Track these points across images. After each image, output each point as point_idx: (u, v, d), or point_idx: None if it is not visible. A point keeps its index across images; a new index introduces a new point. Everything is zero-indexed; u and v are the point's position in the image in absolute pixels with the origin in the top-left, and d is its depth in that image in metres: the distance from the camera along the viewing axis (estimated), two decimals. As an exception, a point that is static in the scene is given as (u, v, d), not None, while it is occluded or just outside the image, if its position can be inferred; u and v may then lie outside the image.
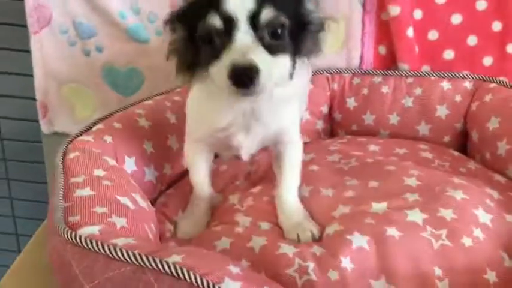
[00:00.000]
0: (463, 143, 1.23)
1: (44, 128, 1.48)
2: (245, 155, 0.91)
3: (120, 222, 0.73)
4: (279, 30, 0.71)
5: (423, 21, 1.29)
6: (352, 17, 1.31)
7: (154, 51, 1.39)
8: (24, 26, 1.38)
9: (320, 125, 1.33)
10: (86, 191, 0.79)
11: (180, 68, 0.79)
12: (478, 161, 1.13)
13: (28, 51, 1.40)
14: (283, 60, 0.73)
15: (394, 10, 1.24)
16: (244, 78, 0.67)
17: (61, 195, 0.77)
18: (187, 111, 0.94)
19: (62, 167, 0.85)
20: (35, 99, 1.45)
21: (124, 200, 0.80)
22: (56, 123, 1.48)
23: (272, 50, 0.70)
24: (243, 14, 0.69)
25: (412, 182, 0.90)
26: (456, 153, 1.14)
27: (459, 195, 0.84)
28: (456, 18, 1.28)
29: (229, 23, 0.69)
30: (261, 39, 0.70)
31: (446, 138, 1.23)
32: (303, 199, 0.94)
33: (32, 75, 1.43)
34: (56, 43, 1.38)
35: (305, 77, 0.99)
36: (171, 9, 1.30)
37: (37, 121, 1.49)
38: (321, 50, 0.79)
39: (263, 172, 1.06)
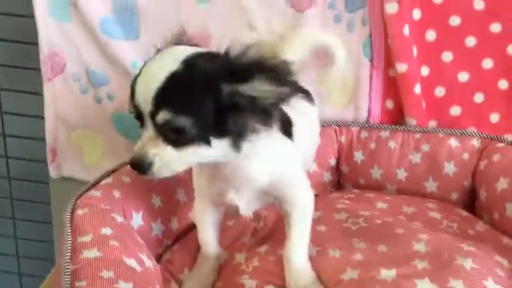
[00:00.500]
0: (470, 201, 1.22)
1: (53, 173, 1.49)
2: (244, 211, 0.89)
3: None
4: (180, 129, 0.71)
5: (430, 77, 1.31)
6: (360, 72, 1.32)
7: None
8: (37, 69, 1.41)
9: (327, 177, 1.33)
10: (93, 252, 0.79)
11: None
12: (486, 221, 1.12)
13: (40, 94, 1.42)
14: (192, 151, 0.73)
15: (402, 67, 1.26)
16: (135, 167, 0.75)
17: (68, 257, 0.76)
18: (193, 171, 0.94)
19: (69, 225, 0.85)
20: (43, 140, 1.47)
21: (130, 262, 0.80)
22: (65, 168, 1.49)
23: (176, 143, 0.73)
24: (146, 110, 0.72)
25: (420, 247, 0.89)
26: (464, 213, 1.13)
27: (469, 264, 0.83)
28: (463, 76, 1.29)
29: (138, 112, 0.74)
30: (163, 134, 0.72)
31: (454, 196, 1.22)
32: (310, 259, 0.92)
33: (41, 117, 1.45)
34: (68, 90, 1.41)
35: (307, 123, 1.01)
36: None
37: (45, 162, 1.50)
38: (269, 126, 0.75)
39: (270, 229, 1.06)
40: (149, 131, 0.73)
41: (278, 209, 0.94)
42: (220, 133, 0.73)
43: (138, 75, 0.76)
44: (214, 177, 0.85)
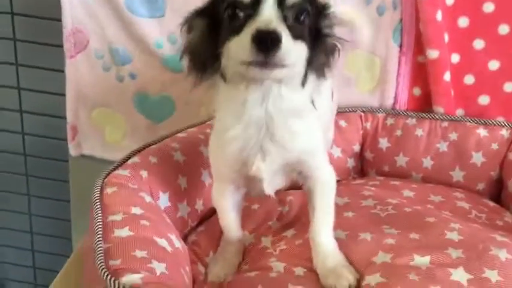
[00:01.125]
0: (497, 192, 1.21)
1: (72, 151, 1.48)
2: (268, 188, 0.86)
3: (160, 268, 0.72)
4: (302, 16, 0.71)
5: (460, 65, 1.28)
6: (388, 57, 1.30)
7: (186, 81, 1.38)
8: (57, 46, 1.39)
9: (351, 163, 1.32)
10: (125, 231, 0.78)
11: (193, 64, 0.78)
12: (514, 213, 1.11)
13: (60, 71, 1.41)
14: (301, 47, 0.72)
15: (433, 54, 1.23)
16: (268, 41, 0.66)
17: (100, 235, 0.76)
18: (209, 150, 0.90)
19: (99, 203, 0.84)
20: (61, 118, 1.46)
21: (162, 242, 0.79)
22: (85, 146, 1.48)
23: (293, 32, 0.69)
24: None
25: (454, 236, 0.88)
26: (491, 204, 1.12)
27: (503, 254, 0.82)
28: (493, 64, 1.27)
29: None
30: (284, 19, 0.69)
31: (481, 186, 1.21)
32: (339, 242, 0.90)
33: (61, 94, 1.44)
34: (90, 68, 1.39)
35: (324, 99, 0.94)
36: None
37: (62, 140, 1.50)
38: (330, 68, 0.78)
39: (296, 213, 1.05)
40: (269, 14, 0.68)
41: (302, 187, 0.91)
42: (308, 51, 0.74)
43: None
44: (250, 132, 0.79)
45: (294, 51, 0.69)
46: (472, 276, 0.78)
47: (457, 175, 1.22)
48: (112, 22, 1.34)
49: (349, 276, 0.82)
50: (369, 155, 1.31)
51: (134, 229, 0.79)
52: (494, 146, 1.20)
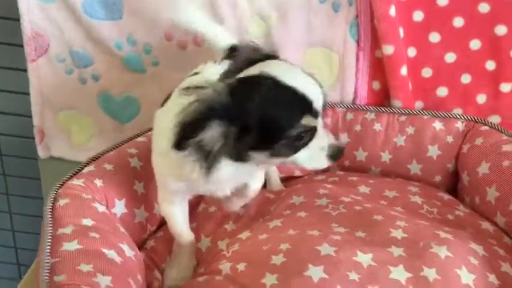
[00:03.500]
0: (454, 184, 1.23)
1: (41, 153, 1.49)
2: (222, 195, 0.92)
3: (104, 281, 0.74)
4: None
5: (417, 58, 1.30)
6: (346, 53, 1.31)
7: (150, 81, 1.40)
8: (22, 46, 1.39)
9: (313, 159, 1.33)
10: (74, 245, 0.80)
11: (205, 159, 0.74)
12: (468, 204, 1.14)
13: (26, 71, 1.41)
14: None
15: (388, 49, 1.24)
16: (341, 155, 0.82)
17: (48, 250, 0.78)
18: (158, 168, 0.91)
19: (50, 216, 0.86)
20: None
21: (110, 254, 0.81)
22: (53, 148, 1.49)
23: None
24: (320, 107, 0.79)
25: (398, 234, 0.90)
26: (446, 197, 1.14)
27: (443, 252, 0.84)
28: (450, 57, 1.28)
29: (317, 115, 0.79)
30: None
31: (438, 178, 1.23)
32: (289, 238, 0.93)
33: (29, 94, 1.44)
34: (53, 71, 1.39)
35: None
36: (166, 40, 1.34)
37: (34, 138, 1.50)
38: None
39: (253, 215, 1.07)
40: (320, 123, 0.80)
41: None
42: None
43: (298, 92, 0.76)
44: (239, 172, 0.84)
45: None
46: (411, 275, 0.81)
47: (414, 168, 1.24)
48: (71, 25, 1.34)
49: None
50: (330, 150, 1.33)
51: (83, 242, 0.81)
52: (449, 139, 1.22)
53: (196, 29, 1.23)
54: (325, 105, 0.81)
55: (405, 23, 1.26)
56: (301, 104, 0.76)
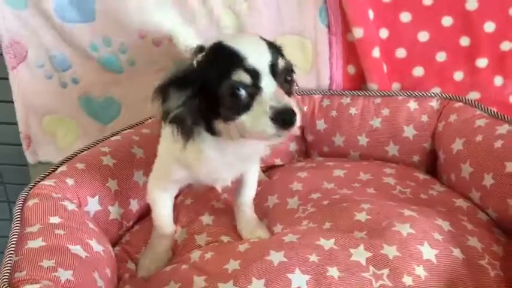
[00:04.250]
0: (433, 162, 1.22)
1: (29, 159, 1.52)
2: (220, 187, 0.97)
3: (65, 275, 0.76)
4: (289, 76, 0.81)
5: (389, 40, 1.29)
6: (318, 39, 1.31)
7: (127, 80, 1.41)
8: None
9: (293, 147, 1.34)
10: (38, 242, 0.81)
11: (182, 131, 0.81)
12: (445, 182, 1.13)
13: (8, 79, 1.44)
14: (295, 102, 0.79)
15: (358, 32, 1.24)
16: (288, 121, 0.75)
17: (12, 248, 0.79)
18: (160, 156, 0.96)
19: (19, 216, 0.88)
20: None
21: (75, 249, 0.82)
22: (40, 153, 1.52)
23: (287, 93, 0.78)
24: (265, 66, 0.77)
25: (362, 216, 0.91)
26: (422, 177, 1.14)
27: (405, 230, 0.84)
28: (423, 36, 1.27)
29: (254, 76, 0.77)
30: (280, 86, 0.78)
31: (416, 158, 1.23)
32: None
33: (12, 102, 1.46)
34: (33, 77, 1.42)
35: None
36: (140, 39, 1.36)
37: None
38: None
39: (227, 208, 1.08)
40: (271, 87, 0.77)
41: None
42: None
43: (232, 50, 0.78)
44: (226, 152, 0.88)
45: (297, 111, 0.76)
46: (370, 254, 0.81)
47: (392, 150, 1.24)
48: (47, 30, 1.36)
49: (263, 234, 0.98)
50: (309, 137, 1.33)
51: (47, 239, 0.82)
52: (424, 118, 1.21)
53: (167, 31, 1.26)
54: (285, 73, 0.79)
55: (374, 4, 1.25)
56: (232, 61, 0.77)
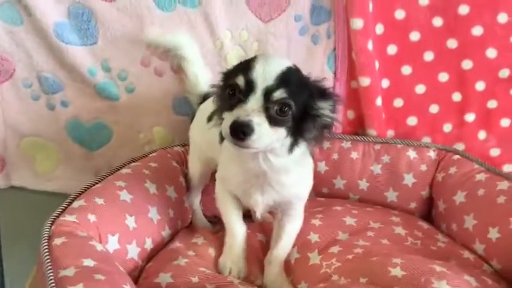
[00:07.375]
0: (427, 210, 1.30)
1: (1, 183, 1.40)
2: (259, 213, 1.02)
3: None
4: (285, 109, 0.83)
5: (390, 89, 1.36)
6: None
7: (123, 108, 1.36)
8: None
9: (291, 186, 1.35)
10: (80, 289, 0.75)
11: (216, 111, 0.94)
12: (444, 231, 1.19)
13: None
14: (279, 133, 0.85)
15: (365, 81, 1.29)
16: (238, 132, 0.80)
17: (54, 294, 0.73)
18: (225, 162, 1.02)
19: (48, 256, 0.81)
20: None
21: (118, 296, 0.78)
22: (14, 177, 1.41)
23: (273, 121, 0.83)
24: (262, 86, 0.82)
25: (397, 272, 0.93)
26: (425, 226, 1.20)
27: (444, 286, 0.87)
28: (420, 88, 1.35)
29: (250, 86, 0.83)
30: (267, 110, 0.82)
31: (413, 205, 1.29)
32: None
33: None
34: (18, 97, 1.33)
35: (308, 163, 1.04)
36: (142, 66, 1.31)
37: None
38: (322, 142, 0.94)
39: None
40: (254, 104, 0.82)
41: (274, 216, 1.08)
42: (295, 130, 0.87)
43: (251, 60, 0.86)
44: (250, 175, 0.95)
45: (267, 136, 0.82)
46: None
47: (391, 195, 1.29)
48: (40, 50, 1.28)
49: None
50: (309, 177, 1.35)
51: (89, 285, 0.76)
52: (423, 167, 1.28)
53: (178, 56, 1.24)
54: (280, 104, 0.83)
55: (380, 56, 1.32)
56: (245, 67, 0.85)
